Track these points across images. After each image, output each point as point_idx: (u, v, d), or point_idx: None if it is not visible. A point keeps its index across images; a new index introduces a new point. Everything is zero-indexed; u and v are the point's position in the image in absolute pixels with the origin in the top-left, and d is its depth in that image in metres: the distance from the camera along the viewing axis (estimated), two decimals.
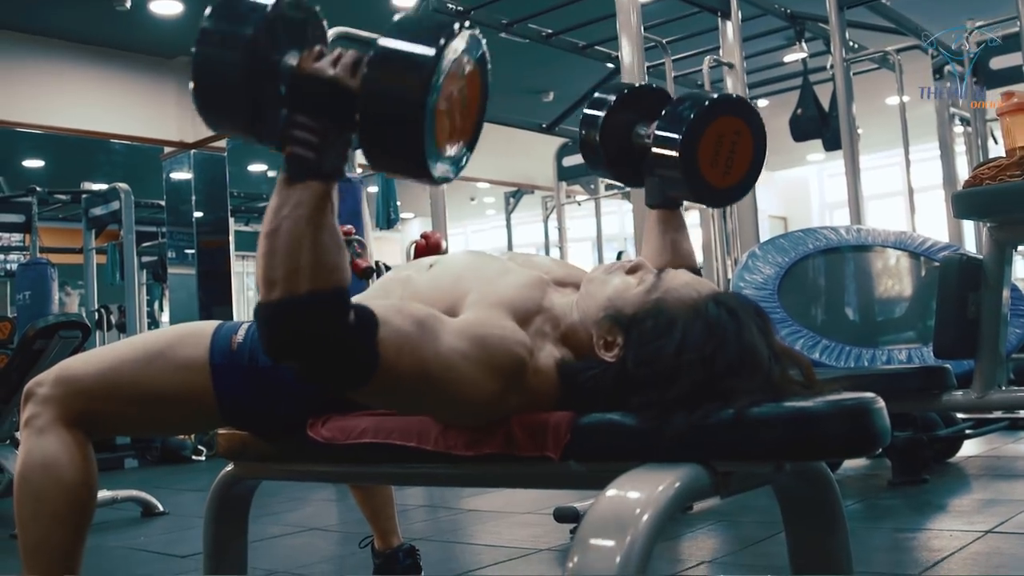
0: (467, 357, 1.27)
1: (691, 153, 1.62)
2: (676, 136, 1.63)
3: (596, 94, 1.82)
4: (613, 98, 1.77)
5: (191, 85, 1.21)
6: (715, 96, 1.68)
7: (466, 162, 1.26)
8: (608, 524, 1.11)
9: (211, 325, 1.58)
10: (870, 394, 1.21)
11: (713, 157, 1.65)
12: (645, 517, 1.10)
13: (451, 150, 1.20)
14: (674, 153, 1.63)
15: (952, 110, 6.45)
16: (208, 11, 1.19)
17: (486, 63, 1.24)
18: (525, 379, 1.32)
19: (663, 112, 1.69)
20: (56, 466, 1.45)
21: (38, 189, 6.88)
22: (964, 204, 2.66)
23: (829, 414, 1.17)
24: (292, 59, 1.20)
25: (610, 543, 1.09)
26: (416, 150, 1.13)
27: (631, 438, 1.24)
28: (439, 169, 1.18)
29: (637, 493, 1.14)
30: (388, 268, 4.93)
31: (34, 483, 1.45)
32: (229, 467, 1.81)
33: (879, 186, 11.75)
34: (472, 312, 1.36)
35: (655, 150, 1.67)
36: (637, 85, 1.82)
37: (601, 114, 1.76)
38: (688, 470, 1.18)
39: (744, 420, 1.17)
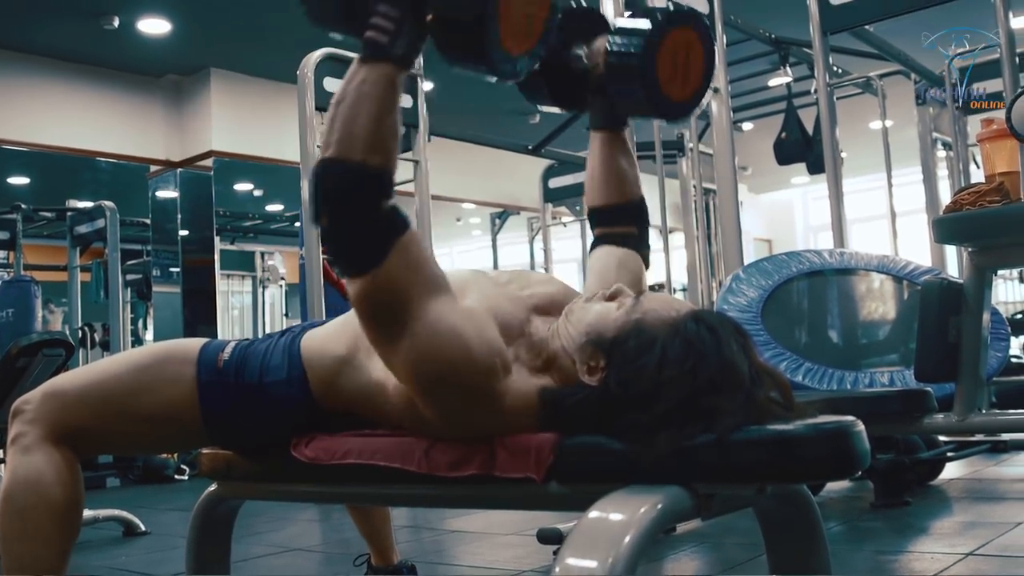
0: (448, 321, 1.31)
1: (651, 67, 1.58)
2: (635, 50, 1.58)
3: None
4: None
5: None
6: (666, 8, 1.64)
7: (531, 66, 1.39)
8: (590, 545, 1.12)
9: (198, 342, 1.59)
10: (850, 417, 1.22)
11: (671, 70, 1.61)
12: (627, 539, 1.11)
13: (518, 48, 1.33)
14: (633, 67, 1.58)
15: (935, 135, 6.51)
16: None
17: None
18: (496, 390, 1.33)
19: (616, 28, 1.63)
20: (42, 484, 1.45)
21: (23, 206, 6.86)
22: (945, 229, 2.69)
23: (810, 437, 1.18)
24: None
25: (592, 564, 1.09)
26: (482, 39, 1.27)
27: (614, 460, 1.25)
28: (504, 63, 1.32)
29: (619, 515, 1.14)
30: None
31: (20, 501, 1.44)
32: (212, 487, 1.81)
33: (862, 209, 11.80)
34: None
35: (611, 67, 1.61)
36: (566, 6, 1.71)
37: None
38: (670, 492, 1.18)
39: (726, 443, 1.18)
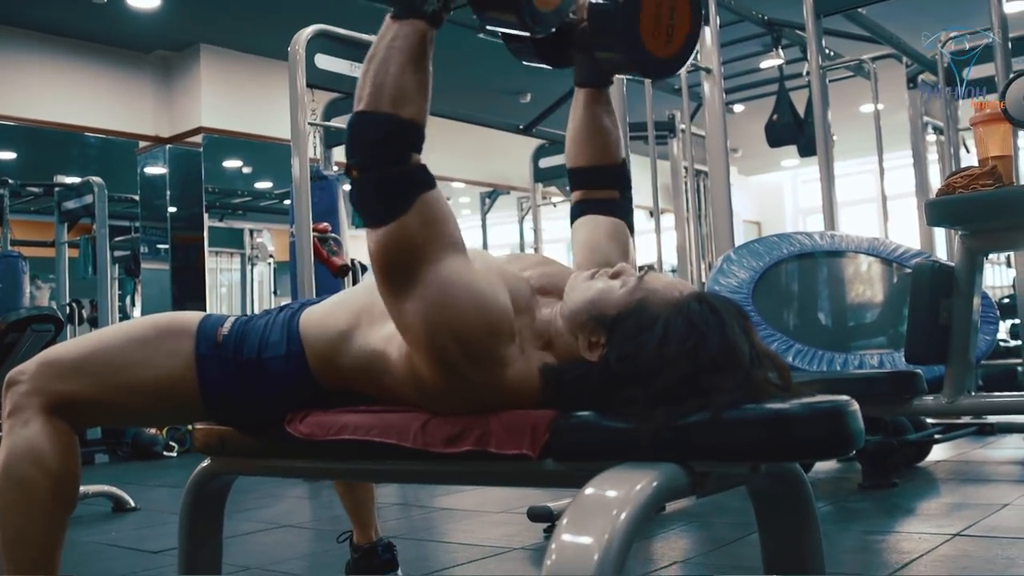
0: (462, 278, 1.32)
1: (633, 23, 1.55)
2: (616, 5, 1.54)
3: None
4: None
5: None
6: None
7: (559, 22, 1.43)
8: (586, 522, 1.11)
9: (197, 315, 1.58)
10: (845, 397, 1.23)
11: (654, 26, 1.58)
12: (623, 516, 1.10)
13: (546, 4, 1.37)
14: (613, 23, 1.55)
15: (925, 118, 6.52)
16: None
17: None
18: (500, 355, 1.33)
19: None
20: (40, 455, 1.44)
21: (10, 181, 6.82)
22: (937, 212, 2.69)
23: (805, 416, 1.18)
24: None
25: (588, 541, 1.09)
26: None
27: (609, 437, 1.25)
28: (534, 17, 1.35)
29: (615, 492, 1.14)
30: (364, 266, 4.93)
31: (17, 473, 1.44)
32: (206, 462, 1.81)
33: (852, 193, 11.86)
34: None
35: (594, 21, 1.58)
36: None
37: None
38: (666, 469, 1.18)
39: (721, 421, 1.18)
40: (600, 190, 1.74)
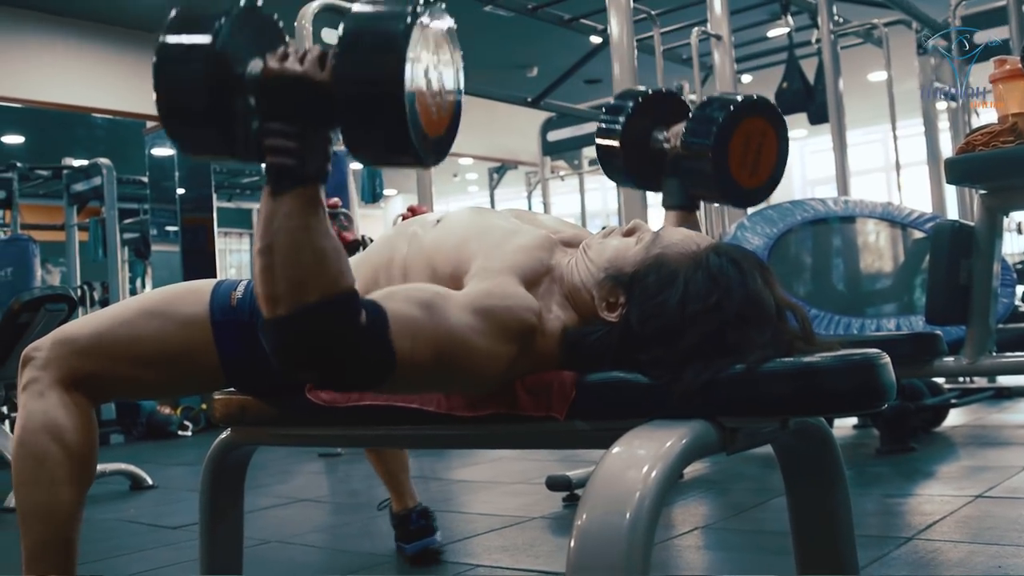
0: (477, 331, 1.23)
1: (722, 153, 1.67)
2: (707, 137, 1.68)
3: (612, 101, 1.88)
4: (631, 104, 1.82)
5: (157, 105, 1.14)
6: (741, 97, 1.74)
7: (450, 142, 1.19)
8: (616, 481, 1.10)
9: (210, 283, 1.56)
10: (875, 350, 1.20)
11: (741, 158, 1.71)
12: (654, 473, 1.09)
13: (436, 129, 1.14)
14: (705, 153, 1.68)
15: (936, 85, 6.47)
16: (165, 25, 1.15)
17: (455, 36, 1.19)
18: (534, 341, 1.30)
19: (691, 115, 1.75)
20: (57, 428, 1.42)
21: (18, 165, 6.81)
22: (957, 170, 2.66)
23: (836, 369, 1.16)
24: (256, 66, 1.15)
25: (619, 500, 1.07)
26: (400, 131, 1.07)
27: (637, 395, 1.23)
28: (425, 150, 1.12)
29: (644, 450, 1.12)
30: (373, 241, 4.92)
31: (34, 446, 1.42)
32: (225, 433, 1.80)
33: (858, 163, 11.79)
34: (478, 282, 1.32)
35: (685, 151, 1.72)
36: (651, 90, 1.86)
37: (621, 119, 1.81)
38: (695, 426, 1.16)
39: (752, 376, 1.16)
40: None
